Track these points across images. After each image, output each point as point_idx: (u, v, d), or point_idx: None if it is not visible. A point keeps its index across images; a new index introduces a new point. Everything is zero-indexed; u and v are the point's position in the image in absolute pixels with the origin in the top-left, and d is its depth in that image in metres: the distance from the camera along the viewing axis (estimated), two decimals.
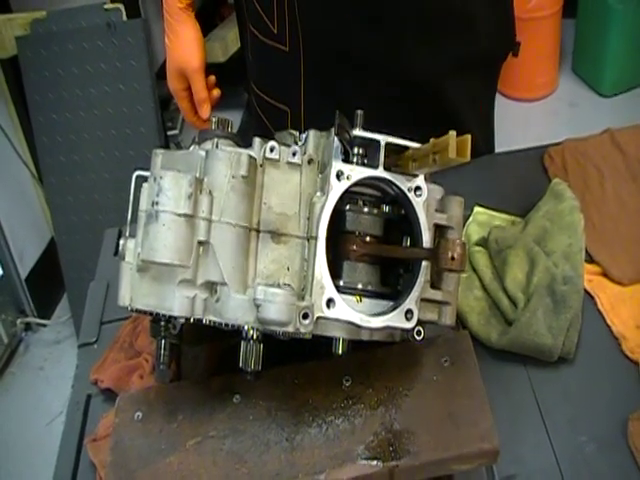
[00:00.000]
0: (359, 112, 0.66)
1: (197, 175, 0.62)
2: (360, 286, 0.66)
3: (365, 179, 0.64)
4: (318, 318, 0.61)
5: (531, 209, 0.96)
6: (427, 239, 0.65)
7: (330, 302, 0.61)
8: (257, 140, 0.66)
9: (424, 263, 0.65)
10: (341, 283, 0.65)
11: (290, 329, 0.60)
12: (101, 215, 2.15)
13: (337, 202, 0.63)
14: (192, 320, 0.62)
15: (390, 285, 0.69)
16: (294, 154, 0.65)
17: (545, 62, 2.90)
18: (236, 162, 0.62)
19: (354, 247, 0.66)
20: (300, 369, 0.71)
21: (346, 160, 0.65)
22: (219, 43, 2.75)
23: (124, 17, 2.13)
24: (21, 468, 1.91)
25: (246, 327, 0.61)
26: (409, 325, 0.63)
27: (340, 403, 0.67)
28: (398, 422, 0.65)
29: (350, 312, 0.62)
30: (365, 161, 0.65)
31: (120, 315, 0.94)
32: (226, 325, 0.61)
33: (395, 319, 0.63)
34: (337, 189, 0.63)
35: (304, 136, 0.69)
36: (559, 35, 2.87)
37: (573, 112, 2.87)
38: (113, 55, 2.12)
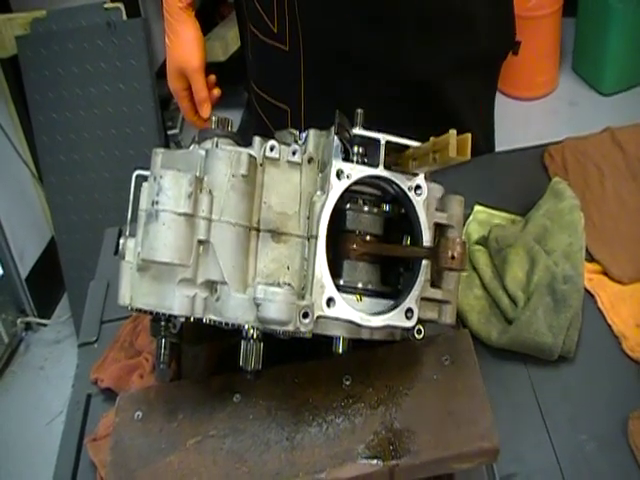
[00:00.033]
0: (359, 111, 0.66)
1: (197, 174, 0.62)
2: (360, 285, 0.66)
3: (365, 178, 0.64)
4: (318, 317, 0.61)
5: (531, 208, 0.96)
6: (427, 238, 0.65)
7: (330, 301, 0.61)
8: (257, 139, 0.66)
9: (424, 262, 0.65)
10: (341, 282, 0.65)
11: (290, 328, 0.60)
12: (101, 214, 2.15)
13: (337, 201, 0.63)
14: (192, 319, 0.62)
15: (390, 284, 0.69)
16: (294, 153, 0.65)
17: (545, 61, 2.90)
18: (236, 161, 0.62)
19: (354, 246, 0.66)
20: (300, 368, 0.71)
21: (346, 159, 0.65)
22: (219, 42, 2.75)
23: (124, 16, 2.13)
24: (21, 468, 1.91)
25: (246, 326, 0.61)
26: (409, 324, 0.63)
27: (340, 402, 0.67)
28: (398, 421, 0.65)
29: (350, 311, 0.62)
30: (365, 160, 0.65)
31: (120, 314, 0.94)
32: (226, 324, 0.61)
33: (395, 318, 0.63)
34: (337, 188, 0.63)
35: (304, 135, 0.69)
36: (559, 34, 2.87)
37: (573, 111, 2.87)
38: (113, 54, 2.11)
